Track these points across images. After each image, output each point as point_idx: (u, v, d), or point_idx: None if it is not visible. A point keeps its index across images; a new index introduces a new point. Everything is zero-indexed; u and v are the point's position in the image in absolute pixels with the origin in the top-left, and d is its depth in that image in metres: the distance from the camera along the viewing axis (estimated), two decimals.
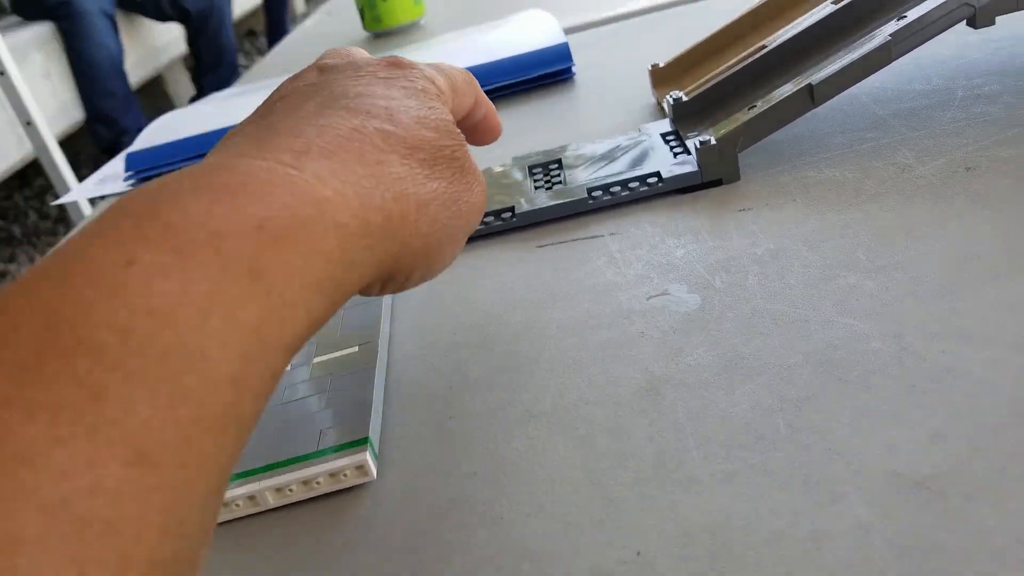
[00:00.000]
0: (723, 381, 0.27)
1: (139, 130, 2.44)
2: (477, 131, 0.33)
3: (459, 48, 0.65)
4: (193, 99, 2.83)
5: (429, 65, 0.29)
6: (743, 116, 0.38)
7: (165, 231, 0.17)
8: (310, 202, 0.19)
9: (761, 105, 0.38)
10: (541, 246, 0.38)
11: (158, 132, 0.66)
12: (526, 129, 0.53)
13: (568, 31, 0.71)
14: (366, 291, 0.24)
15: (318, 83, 0.25)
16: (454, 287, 0.37)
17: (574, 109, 0.54)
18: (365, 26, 0.86)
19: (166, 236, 0.17)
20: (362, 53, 0.30)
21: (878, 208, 0.33)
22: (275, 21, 3.13)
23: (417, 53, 0.69)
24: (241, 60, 3.53)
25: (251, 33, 3.85)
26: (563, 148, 0.45)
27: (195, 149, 0.59)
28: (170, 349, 0.15)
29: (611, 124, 0.50)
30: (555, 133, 0.51)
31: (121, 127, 2.31)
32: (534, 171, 0.44)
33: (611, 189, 0.40)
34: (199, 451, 0.15)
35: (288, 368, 0.32)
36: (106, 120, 2.33)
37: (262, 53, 3.56)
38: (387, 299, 0.36)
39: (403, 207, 0.22)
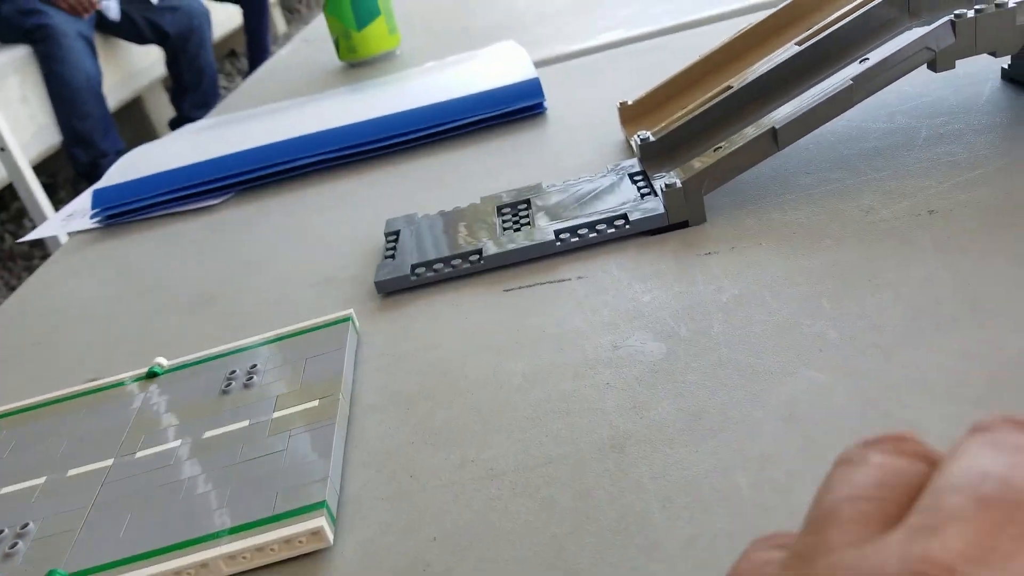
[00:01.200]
0: (687, 437, 0.27)
1: (117, 153, 2.43)
2: None
3: (431, 82, 0.65)
4: (172, 121, 2.82)
5: None
6: (709, 158, 0.38)
7: None
8: None
9: (726, 147, 0.38)
10: (508, 290, 0.38)
11: (127, 168, 0.65)
12: (497, 167, 0.53)
13: (540, 64, 0.71)
14: None
15: None
16: (420, 334, 0.36)
17: (545, 145, 0.54)
18: (340, 56, 0.85)
19: None
20: None
21: (842, 253, 0.33)
22: (256, 42, 3.12)
23: (390, 86, 0.69)
24: (222, 81, 3.53)
25: (232, 54, 3.84)
26: (532, 188, 0.45)
27: (164, 185, 0.59)
28: None
29: (582, 161, 0.49)
30: (526, 170, 0.51)
31: (99, 150, 2.30)
32: (503, 211, 0.44)
33: (579, 231, 0.40)
34: None
35: (246, 424, 0.31)
36: (84, 143, 2.31)
37: (243, 74, 3.55)
38: (351, 347, 0.35)
39: None
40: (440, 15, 1.02)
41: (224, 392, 0.34)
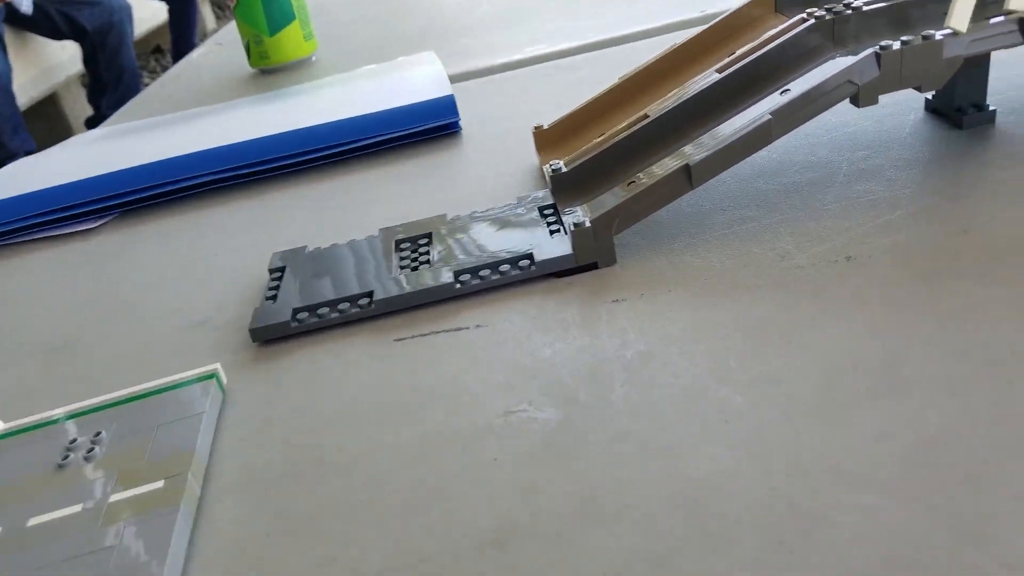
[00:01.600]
0: (577, 530, 0.24)
1: (27, 153, 2.31)
2: None
3: (343, 97, 0.61)
4: (90, 120, 2.69)
5: None
6: (620, 194, 0.35)
7: None
8: None
9: (639, 184, 0.35)
10: (399, 340, 0.34)
11: (4, 183, 0.59)
12: (405, 192, 0.49)
13: (460, 78, 0.67)
14: None
15: None
16: (295, 394, 0.33)
17: (457, 169, 0.50)
18: (251, 63, 0.80)
19: None
20: None
21: (754, 304, 0.31)
22: (182, 39, 3.01)
23: (301, 97, 0.65)
24: (146, 79, 3.40)
25: (158, 50, 3.71)
26: (435, 220, 0.42)
27: (33, 207, 0.53)
28: None
29: (497, 187, 0.46)
30: (435, 196, 0.47)
31: (7, 150, 2.18)
32: (401, 247, 0.40)
33: (480, 273, 0.36)
34: None
35: (79, 508, 0.27)
36: None
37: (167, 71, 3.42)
38: (211, 411, 0.31)
39: None
40: (362, 23, 0.97)
41: (60, 466, 0.29)
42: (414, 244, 0.40)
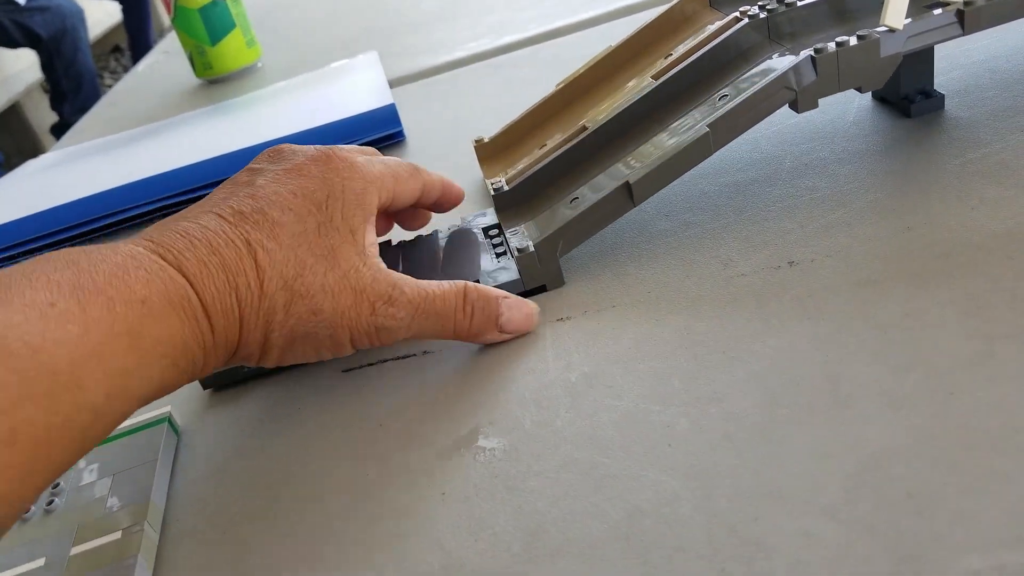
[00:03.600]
0: (521, 565, 0.24)
1: None
2: (442, 204, 0.37)
3: (284, 110, 0.60)
4: (54, 127, 2.65)
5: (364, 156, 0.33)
6: (564, 213, 0.35)
7: (77, 288, 0.23)
8: (178, 294, 0.26)
9: (581, 201, 0.34)
10: (347, 370, 0.34)
11: None
12: None
13: (402, 80, 0.66)
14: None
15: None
16: (248, 434, 0.32)
17: None
18: (197, 73, 0.79)
19: (77, 292, 0.23)
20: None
21: (697, 317, 0.31)
22: (138, 39, 2.96)
23: (243, 112, 0.63)
24: (107, 80, 3.34)
25: (117, 49, 3.64)
26: (379, 246, 0.41)
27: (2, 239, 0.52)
28: (61, 371, 0.22)
29: None
30: None
31: None
32: None
33: None
34: (50, 452, 0.22)
35: (42, 563, 0.27)
36: None
37: (127, 70, 3.37)
38: (165, 456, 0.31)
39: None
40: (303, 24, 0.96)
41: (24, 520, 0.29)
42: None
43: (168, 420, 0.32)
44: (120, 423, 0.24)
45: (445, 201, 0.37)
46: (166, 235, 0.28)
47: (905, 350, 0.27)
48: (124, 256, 0.26)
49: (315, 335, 0.29)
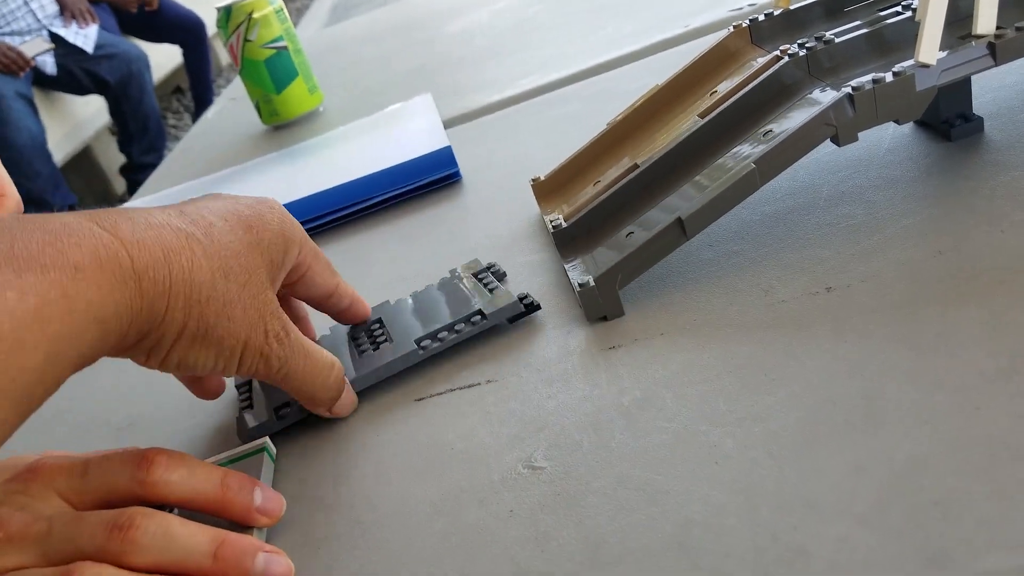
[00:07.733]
0: (585, 572, 0.26)
1: (71, 207, 2.38)
2: (346, 316, 0.42)
3: (347, 155, 0.64)
4: (123, 168, 2.78)
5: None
6: (621, 246, 0.37)
7: (12, 258, 0.25)
8: (110, 256, 0.27)
9: (637, 237, 0.37)
10: (419, 399, 0.37)
11: None
12: (406, 251, 0.52)
13: (457, 120, 0.70)
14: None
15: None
16: (333, 454, 0.36)
17: (459, 221, 0.53)
18: (263, 120, 0.84)
19: (11, 261, 0.25)
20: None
21: (740, 342, 0.33)
22: (198, 79, 3.09)
23: (305, 160, 0.68)
24: (170, 120, 3.49)
25: (178, 90, 3.80)
26: (380, 306, 0.44)
27: None
28: (6, 336, 0.24)
29: (498, 240, 0.49)
30: (443, 247, 0.50)
31: (51, 207, 2.26)
32: (356, 334, 0.42)
33: (439, 335, 0.39)
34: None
35: None
36: (35, 202, 2.28)
37: (190, 111, 3.51)
38: (264, 481, 0.35)
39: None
40: (358, 66, 1.01)
41: None
42: (368, 330, 0.42)
43: (266, 449, 0.36)
44: (54, 391, 0.26)
45: (352, 315, 0.41)
46: (105, 212, 0.29)
47: (935, 368, 0.29)
48: (58, 224, 0.27)
49: (218, 339, 0.30)
